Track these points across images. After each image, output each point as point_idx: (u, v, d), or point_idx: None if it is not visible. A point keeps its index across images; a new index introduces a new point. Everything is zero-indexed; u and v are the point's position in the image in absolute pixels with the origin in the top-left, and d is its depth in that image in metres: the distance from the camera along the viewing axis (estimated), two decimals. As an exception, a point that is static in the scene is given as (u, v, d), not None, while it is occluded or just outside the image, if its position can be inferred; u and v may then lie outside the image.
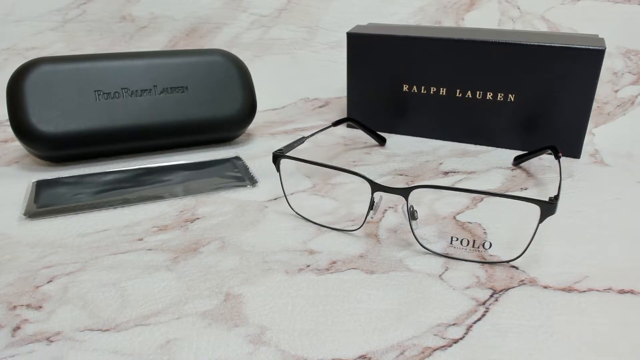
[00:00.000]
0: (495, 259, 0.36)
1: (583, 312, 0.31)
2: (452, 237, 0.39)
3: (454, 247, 0.38)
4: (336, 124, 0.53)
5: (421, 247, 0.37)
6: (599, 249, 0.38)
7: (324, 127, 0.53)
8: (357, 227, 0.40)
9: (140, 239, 0.39)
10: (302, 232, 0.39)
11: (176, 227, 0.40)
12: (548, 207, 0.33)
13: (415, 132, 0.59)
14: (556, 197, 0.34)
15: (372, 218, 0.39)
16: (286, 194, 0.44)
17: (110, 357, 0.28)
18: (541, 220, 0.34)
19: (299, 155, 0.45)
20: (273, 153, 0.41)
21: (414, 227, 0.37)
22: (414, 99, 0.57)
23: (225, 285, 0.33)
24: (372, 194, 0.37)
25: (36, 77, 0.48)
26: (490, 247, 0.38)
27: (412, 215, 0.37)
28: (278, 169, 0.42)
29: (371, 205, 0.38)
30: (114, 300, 0.32)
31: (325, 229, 0.40)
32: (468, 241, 0.38)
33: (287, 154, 0.41)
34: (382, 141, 0.56)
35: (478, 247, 0.38)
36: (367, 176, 0.37)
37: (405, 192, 0.36)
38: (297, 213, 0.42)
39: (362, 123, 0.56)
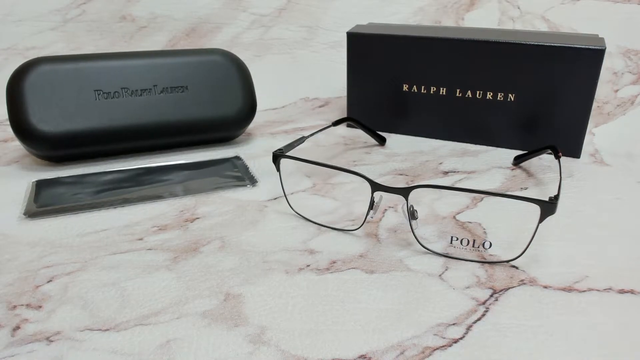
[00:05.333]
0: (495, 259, 0.36)
1: (583, 312, 0.31)
2: (452, 237, 0.39)
3: (454, 247, 0.38)
4: (336, 123, 0.53)
5: (421, 246, 0.37)
6: (599, 249, 0.38)
7: (324, 126, 0.53)
8: (357, 227, 0.40)
9: (140, 239, 0.39)
10: (302, 232, 0.39)
11: (176, 226, 0.40)
12: (548, 207, 0.33)
13: (415, 132, 0.59)
14: (556, 197, 0.34)
15: (372, 218, 0.39)
16: (286, 193, 0.44)
17: (110, 357, 0.28)
18: (541, 220, 0.34)
19: (299, 154, 0.45)
20: (273, 153, 0.41)
21: (414, 227, 0.37)
22: (414, 99, 0.57)
23: (225, 285, 0.33)
24: (372, 193, 0.37)
25: (36, 77, 0.48)
26: (490, 247, 0.38)
27: (412, 215, 0.37)
28: (278, 169, 0.42)
29: (371, 205, 0.38)
30: (114, 300, 0.32)
31: (325, 228, 0.40)
32: (468, 241, 0.38)
33: (287, 154, 0.41)
34: (382, 141, 0.56)
35: (478, 247, 0.38)
36: (367, 176, 0.37)
37: (405, 192, 0.36)
38: (297, 213, 0.42)
39: (362, 123, 0.56)
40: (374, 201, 0.38)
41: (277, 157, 0.41)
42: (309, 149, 0.55)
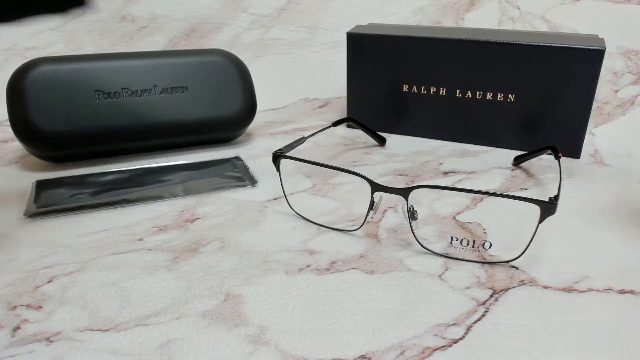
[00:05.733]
0: (495, 259, 0.36)
1: (583, 312, 0.31)
2: (452, 237, 0.39)
3: (454, 247, 0.38)
4: (336, 124, 0.53)
5: (421, 247, 0.37)
6: (599, 249, 0.38)
7: (324, 127, 0.53)
8: (357, 227, 0.40)
9: (140, 239, 0.39)
10: (302, 232, 0.39)
11: (176, 227, 0.40)
12: (548, 207, 0.33)
13: (415, 132, 0.59)
14: (556, 197, 0.34)
15: (372, 218, 0.39)
16: (286, 194, 0.44)
17: (110, 357, 0.28)
18: (541, 220, 0.34)
19: (299, 155, 0.45)
20: (273, 153, 0.41)
21: (414, 227, 0.37)
22: (414, 99, 0.57)
23: (225, 285, 0.33)
24: (372, 194, 0.37)
25: (36, 77, 0.47)
26: (490, 247, 0.38)
27: (412, 215, 0.37)
28: (278, 169, 0.42)
29: (371, 205, 0.38)
30: (114, 300, 0.32)
31: (325, 229, 0.40)
32: (468, 241, 0.38)
33: (287, 154, 0.41)
34: (382, 141, 0.56)
35: (478, 247, 0.38)
36: (367, 176, 0.37)
37: (405, 192, 0.36)
38: (297, 213, 0.42)
39: (362, 123, 0.56)
40: (374, 201, 0.38)
41: (277, 157, 0.41)
42: (309, 150, 0.55)
